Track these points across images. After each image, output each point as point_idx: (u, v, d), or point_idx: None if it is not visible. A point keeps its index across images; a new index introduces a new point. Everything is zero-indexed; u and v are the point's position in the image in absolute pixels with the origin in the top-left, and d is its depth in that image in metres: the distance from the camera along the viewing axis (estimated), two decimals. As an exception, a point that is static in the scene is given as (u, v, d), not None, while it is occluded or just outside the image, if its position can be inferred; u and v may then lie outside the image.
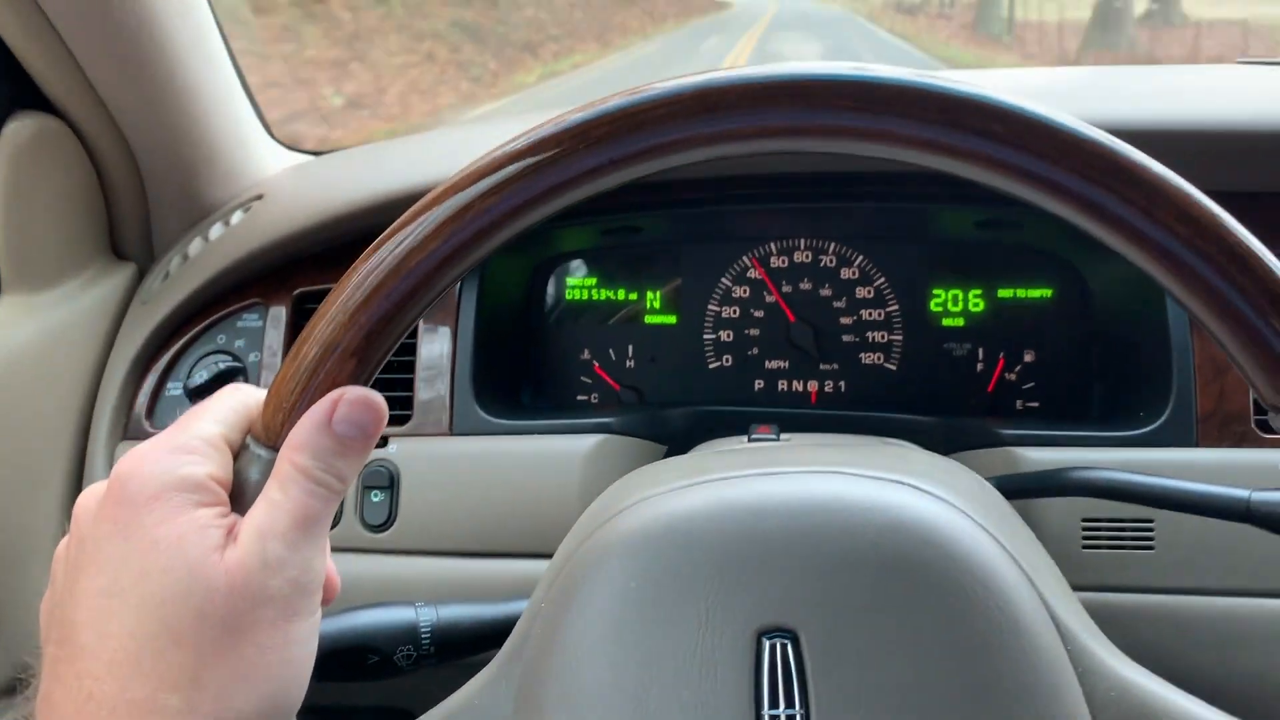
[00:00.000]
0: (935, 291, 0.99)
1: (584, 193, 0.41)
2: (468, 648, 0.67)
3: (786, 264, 1.01)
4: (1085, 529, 0.79)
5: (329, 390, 0.41)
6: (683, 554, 0.47)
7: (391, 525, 0.87)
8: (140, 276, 1.05)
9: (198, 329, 0.98)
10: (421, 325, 0.92)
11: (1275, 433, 0.79)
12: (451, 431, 0.89)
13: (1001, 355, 0.98)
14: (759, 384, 1.02)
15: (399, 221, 0.41)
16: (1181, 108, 0.83)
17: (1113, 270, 0.91)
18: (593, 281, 1.04)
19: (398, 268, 0.40)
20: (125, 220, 1.04)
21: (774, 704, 0.44)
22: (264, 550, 0.39)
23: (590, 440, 0.87)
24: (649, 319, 1.03)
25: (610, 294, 1.04)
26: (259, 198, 1.02)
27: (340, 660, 0.65)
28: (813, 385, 1.01)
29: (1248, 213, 0.83)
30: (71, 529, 0.42)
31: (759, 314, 1.01)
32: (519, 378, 1.01)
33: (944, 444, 0.86)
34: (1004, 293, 0.98)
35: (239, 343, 0.97)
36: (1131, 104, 0.85)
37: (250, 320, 0.97)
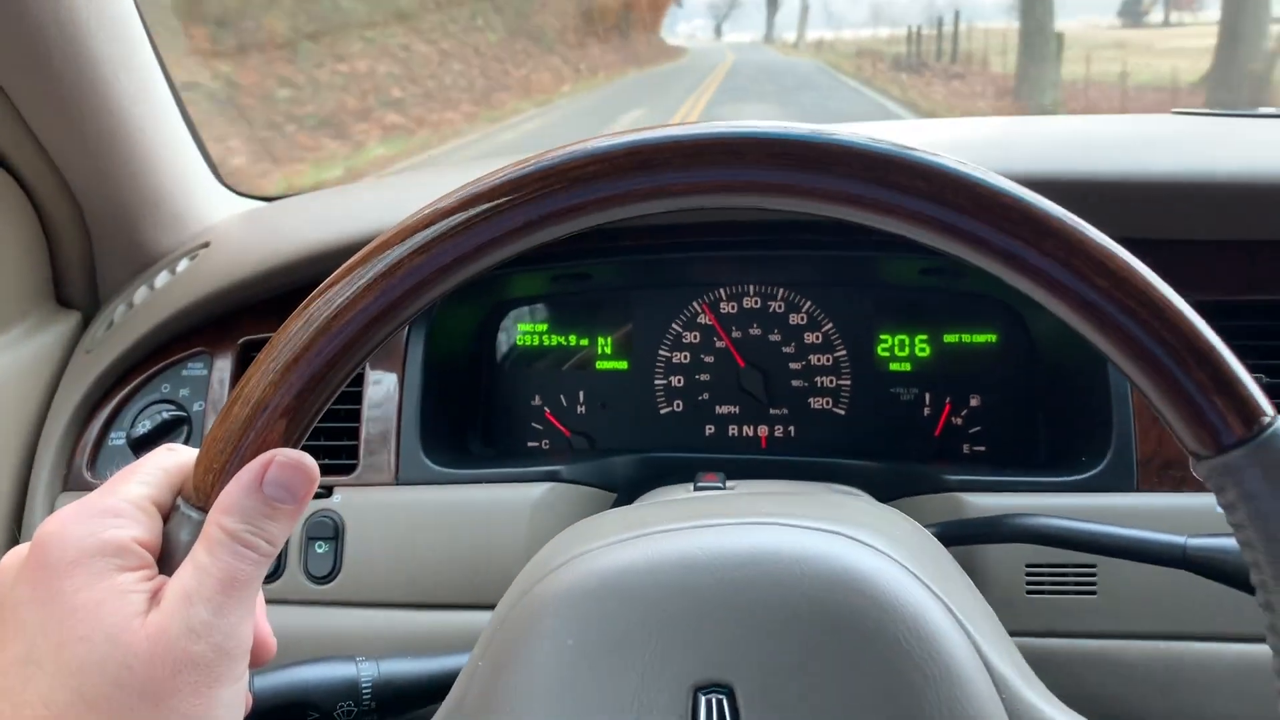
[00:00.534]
0: (882, 337, 1.00)
1: (516, 249, 0.41)
2: (409, 703, 0.66)
3: (736, 310, 1.01)
4: (1029, 575, 0.80)
5: (259, 450, 0.41)
6: (619, 610, 0.47)
7: (336, 576, 0.86)
8: (84, 325, 1.04)
9: (142, 378, 0.97)
10: (367, 373, 0.91)
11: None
12: (397, 481, 0.89)
13: (948, 400, 0.99)
14: (710, 429, 1.02)
15: (330, 279, 0.41)
16: (1118, 158, 0.85)
17: (1053, 317, 0.92)
18: (544, 328, 1.04)
19: (327, 326, 0.40)
20: (69, 268, 1.03)
21: None
22: (187, 615, 0.38)
23: (538, 489, 0.87)
24: (600, 365, 1.03)
25: (561, 340, 1.04)
26: (206, 245, 1.02)
27: (279, 717, 0.64)
28: (763, 430, 1.01)
29: (1179, 262, 0.85)
30: None
31: (709, 359, 1.02)
32: (468, 425, 1.01)
33: (891, 489, 0.87)
34: (950, 338, 0.99)
35: (184, 392, 0.96)
36: (1066, 154, 0.87)
37: (195, 369, 0.96)
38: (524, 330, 1.04)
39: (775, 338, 1.01)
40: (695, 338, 1.02)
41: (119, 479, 0.42)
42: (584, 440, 1.02)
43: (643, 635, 0.47)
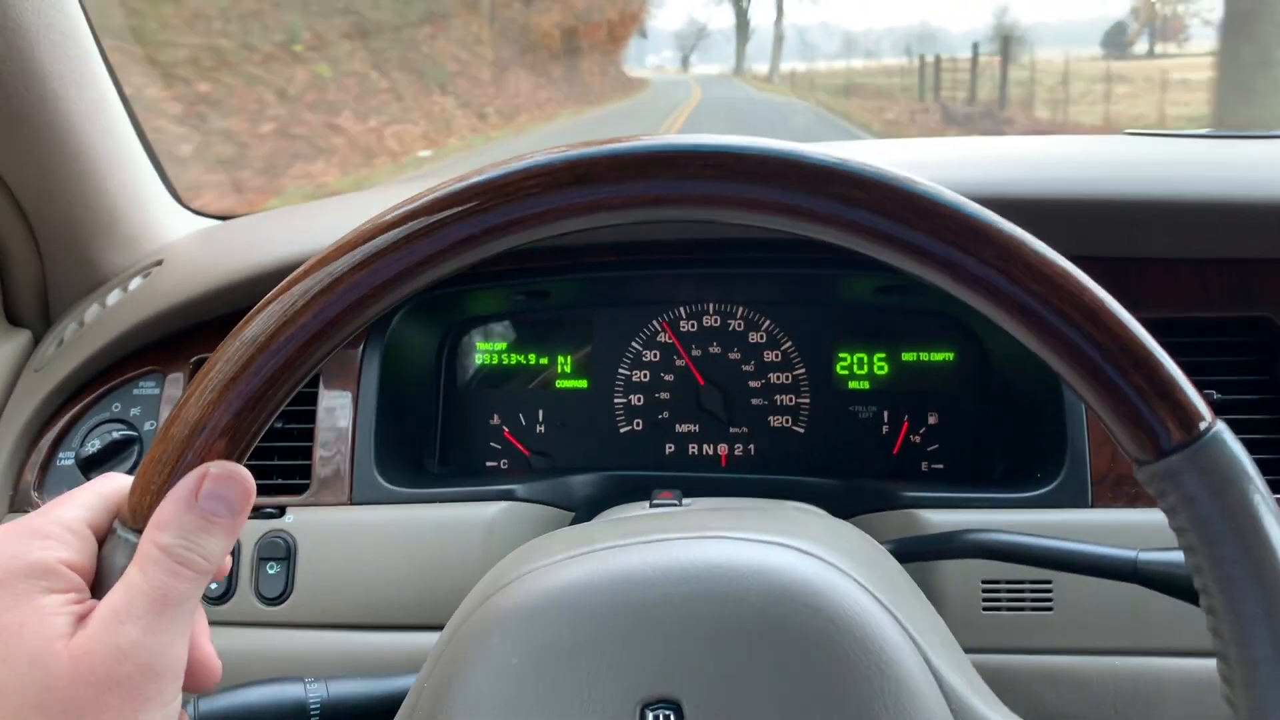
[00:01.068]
0: (841, 355, 1.00)
1: (457, 264, 0.41)
2: None
3: (696, 328, 1.01)
4: (985, 591, 0.80)
5: None
6: (564, 627, 0.47)
7: (288, 598, 0.85)
8: (34, 344, 1.02)
9: (92, 397, 0.95)
10: (321, 390, 0.90)
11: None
12: (351, 501, 0.87)
13: (906, 418, 0.99)
14: (670, 448, 1.01)
15: (268, 296, 0.40)
16: (1071, 178, 0.86)
17: (1008, 336, 0.92)
18: (503, 346, 1.04)
19: (266, 343, 0.40)
20: (19, 287, 1.02)
21: None
22: (114, 634, 0.37)
23: (494, 508, 0.86)
24: (560, 384, 1.03)
25: (520, 359, 1.03)
26: (159, 263, 1.01)
27: (225, 741, 0.63)
28: (723, 449, 1.01)
29: (1130, 279, 0.85)
30: None
31: (669, 378, 1.01)
32: (424, 445, 1.00)
33: (849, 506, 0.87)
34: (908, 356, 0.99)
35: (134, 411, 0.94)
36: (1018, 174, 0.87)
37: (147, 388, 0.95)
38: (483, 349, 1.04)
39: (735, 356, 1.01)
40: (655, 356, 1.02)
41: (55, 504, 0.42)
42: (543, 459, 1.02)
43: (588, 652, 0.46)
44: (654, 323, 1.02)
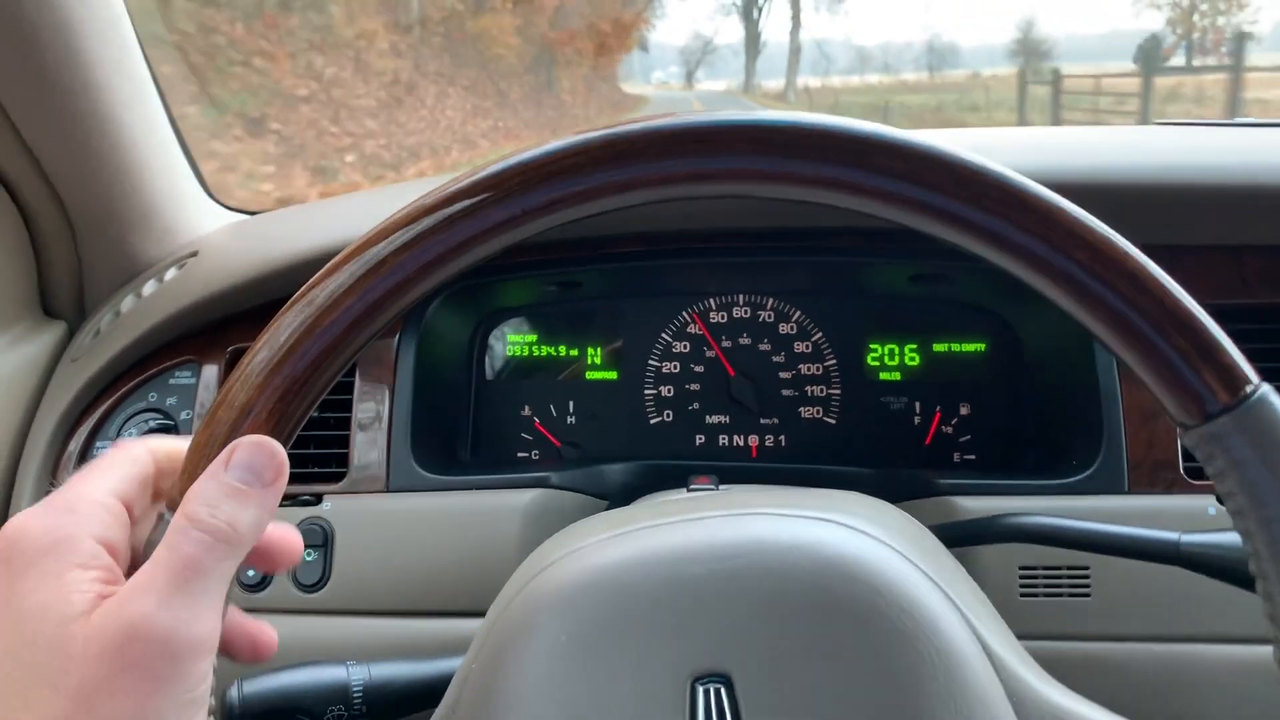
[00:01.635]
0: (872, 346, 1.00)
1: (499, 245, 0.41)
2: (401, 707, 0.65)
3: (726, 319, 1.01)
4: (1022, 577, 0.80)
5: None
6: (612, 604, 0.47)
7: (325, 585, 0.85)
8: (71, 334, 1.03)
9: (128, 386, 0.96)
10: (358, 381, 0.91)
11: (1204, 478, 0.80)
12: (388, 488, 0.88)
13: (938, 408, 0.99)
14: (700, 439, 1.02)
15: (312, 280, 0.40)
16: (1105, 162, 0.86)
17: (1042, 323, 0.93)
18: (534, 338, 1.04)
19: (311, 327, 0.40)
20: (56, 277, 1.03)
21: None
22: (127, 611, 0.36)
23: (528, 495, 0.86)
24: (590, 375, 1.03)
25: (551, 350, 1.04)
26: (194, 254, 1.01)
27: (269, 722, 0.63)
28: (753, 439, 1.01)
29: (1166, 266, 0.85)
30: None
31: (699, 369, 1.02)
32: (458, 435, 1.00)
33: (883, 494, 0.86)
34: (939, 347, 0.99)
35: (171, 400, 0.95)
36: (1051, 159, 0.87)
37: (183, 377, 0.96)
38: (514, 340, 1.04)
39: (765, 347, 1.01)
40: (685, 347, 1.02)
41: (81, 477, 0.41)
42: (574, 450, 1.02)
43: (637, 628, 0.46)
44: (684, 314, 1.02)
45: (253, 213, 1.19)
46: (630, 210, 0.41)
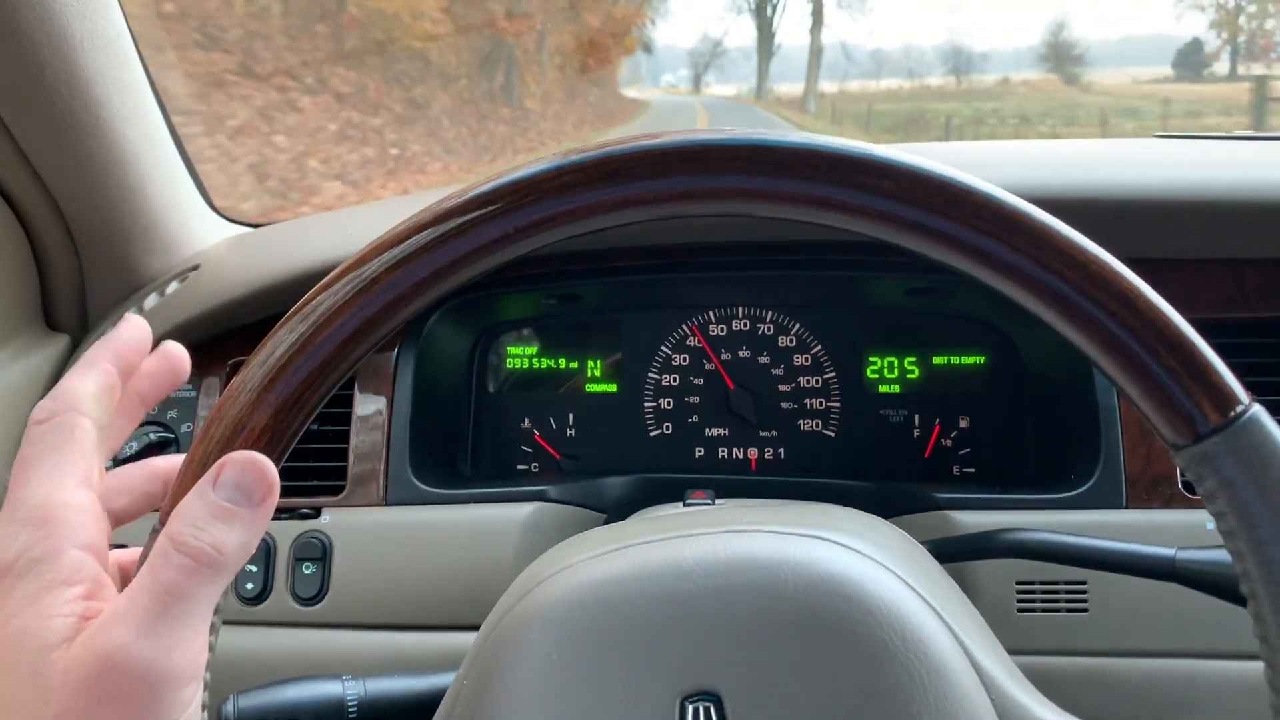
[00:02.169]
0: (871, 359, 1.00)
1: (492, 262, 0.41)
2: None
3: (725, 332, 1.02)
4: (1020, 592, 0.80)
5: None
6: (602, 622, 0.47)
7: (324, 598, 0.85)
8: (73, 347, 1.04)
9: (129, 400, 0.96)
10: (357, 394, 0.91)
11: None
12: (386, 501, 0.88)
13: (937, 421, 0.99)
14: (699, 451, 1.02)
15: (306, 297, 0.41)
16: (1106, 175, 0.86)
17: (1041, 337, 0.93)
18: (533, 350, 1.04)
19: (304, 345, 0.40)
20: (59, 291, 1.03)
21: None
22: (103, 641, 0.34)
23: (526, 509, 0.86)
24: (590, 387, 1.03)
25: (551, 363, 1.04)
26: (195, 268, 1.02)
27: (263, 738, 0.63)
28: (753, 452, 1.01)
29: (1166, 280, 0.85)
30: None
31: (699, 381, 1.02)
32: (457, 447, 1.01)
33: (881, 508, 0.86)
34: (938, 359, 0.99)
35: (171, 413, 0.95)
36: (1053, 173, 0.87)
37: (183, 390, 0.96)
38: (514, 353, 1.04)
39: (765, 360, 1.01)
40: (685, 360, 1.02)
41: (43, 466, 0.39)
42: (573, 463, 1.02)
43: (627, 645, 0.46)
44: (683, 326, 1.02)
45: (256, 225, 1.19)
46: (630, 224, 0.41)
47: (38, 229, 0.98)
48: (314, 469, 0.90)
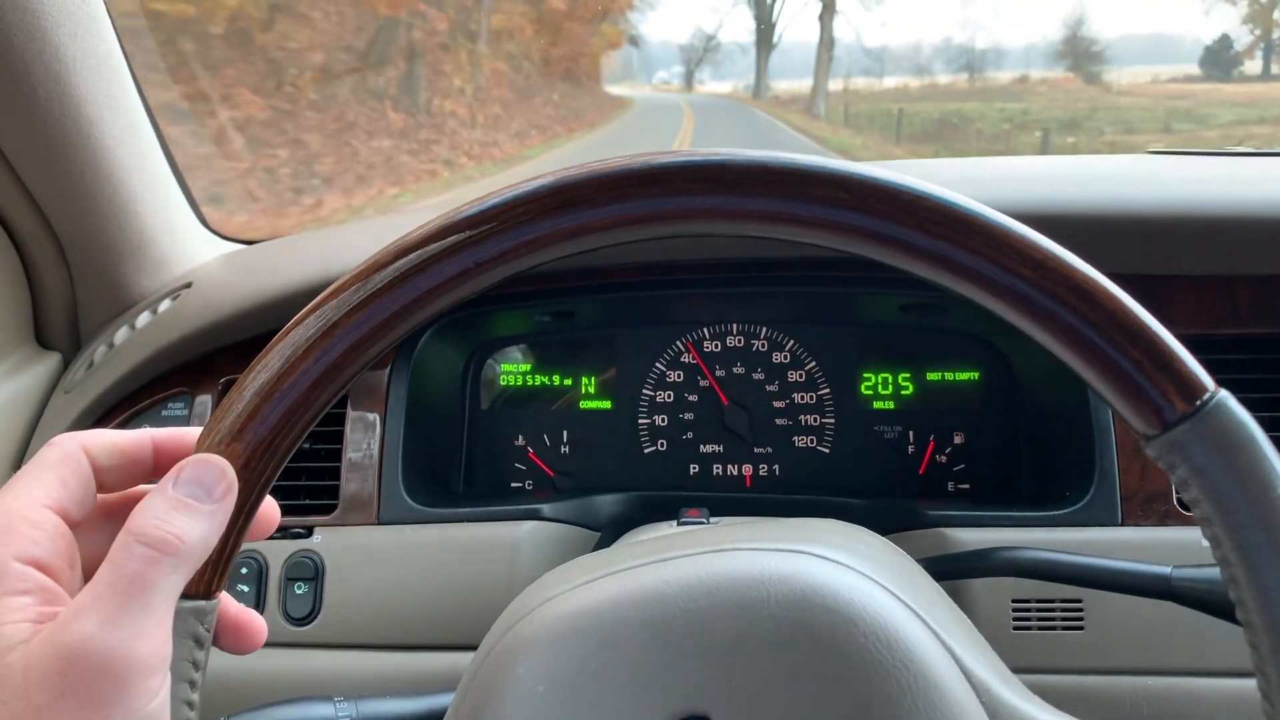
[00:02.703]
0: (865, 375, 1.00)
1: (454, 298, 0.41)
2: None
3: (719, 348, 1.01)
4: (1015, 610, 0.79)
5: None
6: (587, 652, 0.47)
7: (316, 618, 0.85)
8: (65, 366, 1.03)
9: (121, 419, 0.96)
10: (349, 412, 0.91)
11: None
12: (379, 521, 0.88)
13: (932, 438, 0.98)
14: (694, 468, 1.01)
15: (271, 344, 0.40)
16: (1099, 193, 0.86)
17: (1035, 353, 0.92)
18: (527, 368, 1.04)
19: (270, 391, 0.40)
20: (51, 309, 1.03)
21: None
22: (66, 634, 0.34)
23: (520, 528, 0.86)
24: (584, 404, 1.03)
25: (545, 379, 1.04)
26: (188, 286, 1.02)
27: (254, 760, 0.62)
28: (747, 469, 1.01)
29: (1163, 295, 0.85)
30: None
31: (693, 398, 1.01)
32: (450, 465, 1.00)
33: (875, 525, 0.86)
34: (932, 376, 0.99)
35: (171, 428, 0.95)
36: (1048, 190, 0.87)
37: (175, 409, 0.96)
38: (507, 370, 1.04)
39: (759, 376, 1.01)
40: (679, 376, 1.02)
41: (10, 486, 0.39)
42: (567, 480, 1.02)
43: (613, 674, 0.46)
44: (678, 343, 1.02)
45: (249, 242, 1.19)
46: (592, 250, 0.41)
47: (29, 247, 0.98)
48: (306, 488, 0.90)
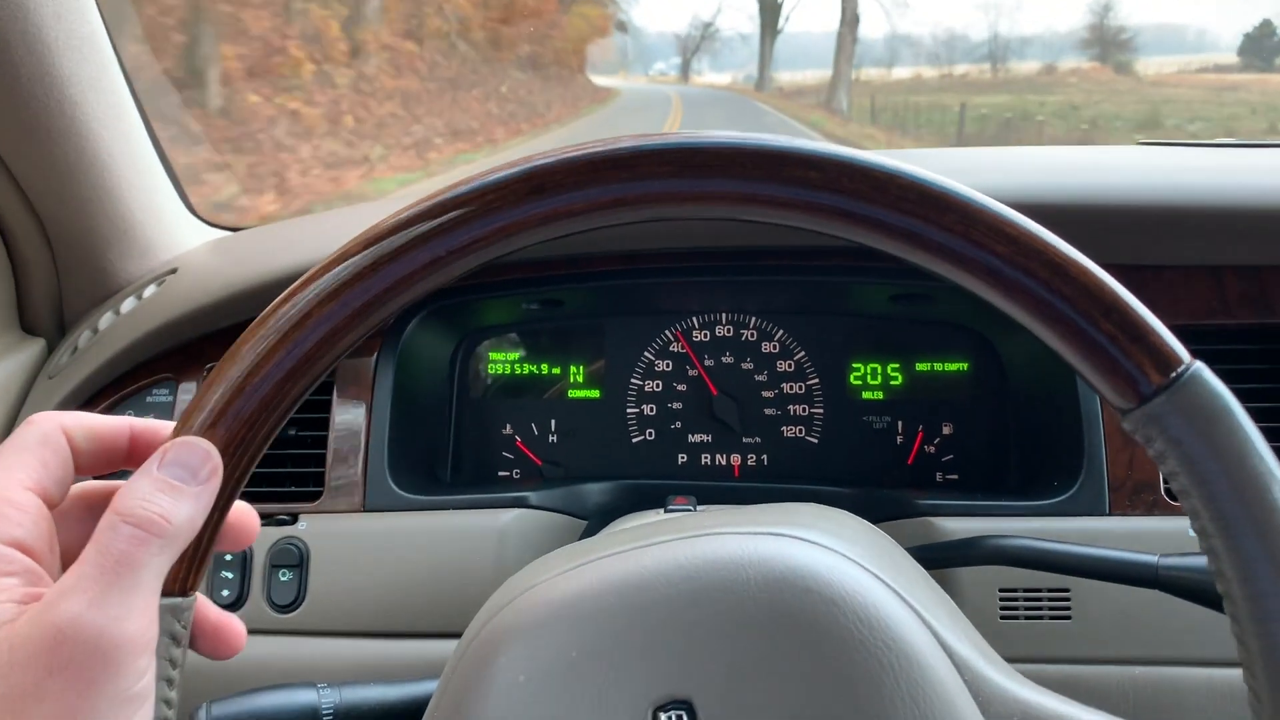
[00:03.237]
0: (855, 365, 1.00)
1: (427, 286, 0.41)
2: None
3: (709, 338, 1.01)
4: (1003, 599, 0.79)
5: None
6: (568, 639, 0.47)
7: (300, 605, 0.84)
8: (49, 351, 1.03)
9: (105, 404, 0.95)
10: (335, 399, 0.90)
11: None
12: (364, 508, 0.87)
13: (920, 428, 0.98)
14: (682, 458, 1.01)
15: (243, 336, 0.40)
16: (1087, 182, 0.86)
17: (1024, 344, 0.92)
18: (516, 356, 1.04)
19: (241, 385, 0.39)
20: (35, 294, 1.02)
21: None
22: (54, 613, 0.34)
23: (507, 516, 0.85)
24: (572, 393, 1.03)
25: (533, 368, 1.03)
26: (173, 272, 1.01)
27: (237, 746, 0.62)
28: (735, 459, 1.01)
29: (1151, 285, 0.85)
30: None
31: (682, 388, 1.01)
32: (437, 453, 1.00)
33: (864, 514, 0.86)
34: (921, 366, 0.99)
35: (149, 418, 0.94)
36: (1037, 179, 0.87)
37: (160, 395, 0.95)
38: (495, 359, 1.04)
39: (748, 366, 1.01)
40: (668, 366, 1.01)
41: None
42: (555, 469, 1.01)
43: (594, 661, 0.46)
44: (667, 332, 1.01)
45: (235, 229, 1.18)
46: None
47: (13, 231, 0.97)
48: (291, 475, 0.89)
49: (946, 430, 0.98)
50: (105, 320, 0.99)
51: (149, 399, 0.95)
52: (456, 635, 0.53)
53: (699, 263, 0.96)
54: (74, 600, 0.35)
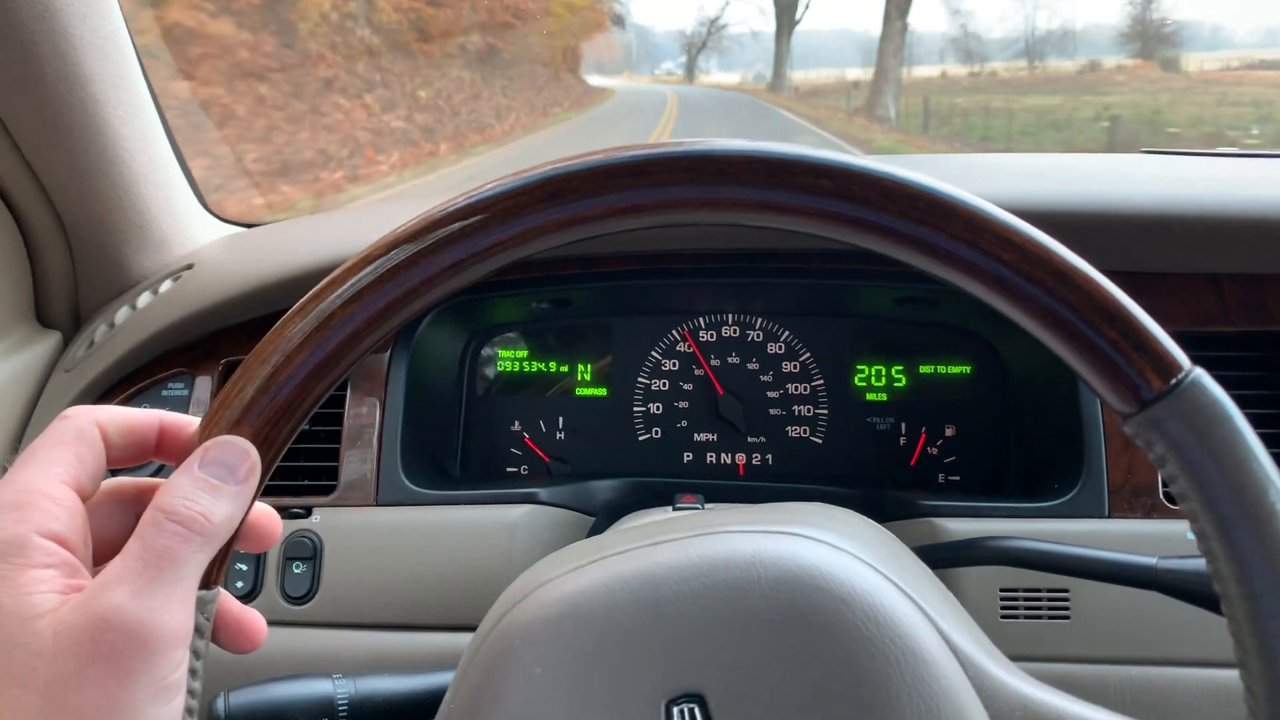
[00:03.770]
0: (859, 366, 1.01)
1: (447, 289, 0.42)
2: None
3: (715, 338, 1.02)
4: (1003, 599, 0.81)
5: None
6: (582, 633, 0.48)
7: (313, 597, 0.86)
8: (65, 345, 1.04)
9: (121, 398, 0.97)
10: (349, 395, 0.91)
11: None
12: (377, 502, 0.89)
13: (923, 430, 1.00)
14: (688, 456, 1.02)
15: (269, 336, 0.41)
16: (1092, 191, 0.87)
17: (1026, 347, 0.94)
18: (524, 354, 1.05)
19: (266, 385, 0.40)
20: (51, 288, 1.03)
21: None
22: (98, 603, 0.35)
23: (517, 511, 0.87)
24: (580, 391, 1.04)
25: (541, 366, 1.05)
26: (189, 267, 1.02)
27: (253, 735, 0.63)
28: (740, 458, 1.02)
29: (1152, 292, 0.86)
30: None
31: (688, 387, 1.03)
32: (448, 449, 1.01)
33: (867, 515, 0.87)
34: (925, 368, 1.01)
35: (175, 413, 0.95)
36: (1042, 186, 0.89)
37: (176, 389, 0.96)
38: (504, 356, 1.05)
39: (754, 366, 1.02)
40: (674, 365, 1.03)
41: (27, 460, 0.39)
42: (562, 466, 1.03)
43: (608, 655, 0.47)
44: (674, 332, 1.03)
45: (250, 225, 1.20)
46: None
47: (31, 226, 0.98)
48: (305, 469, 0.90)
49: (949, 432, 0.99)
50: (121, 315, 1.00)
51: (164, 393, 0.96)
52: (468, 628, 0.54)
53: (707, 264, 0.97)
54: (118, 591, 0.36)
